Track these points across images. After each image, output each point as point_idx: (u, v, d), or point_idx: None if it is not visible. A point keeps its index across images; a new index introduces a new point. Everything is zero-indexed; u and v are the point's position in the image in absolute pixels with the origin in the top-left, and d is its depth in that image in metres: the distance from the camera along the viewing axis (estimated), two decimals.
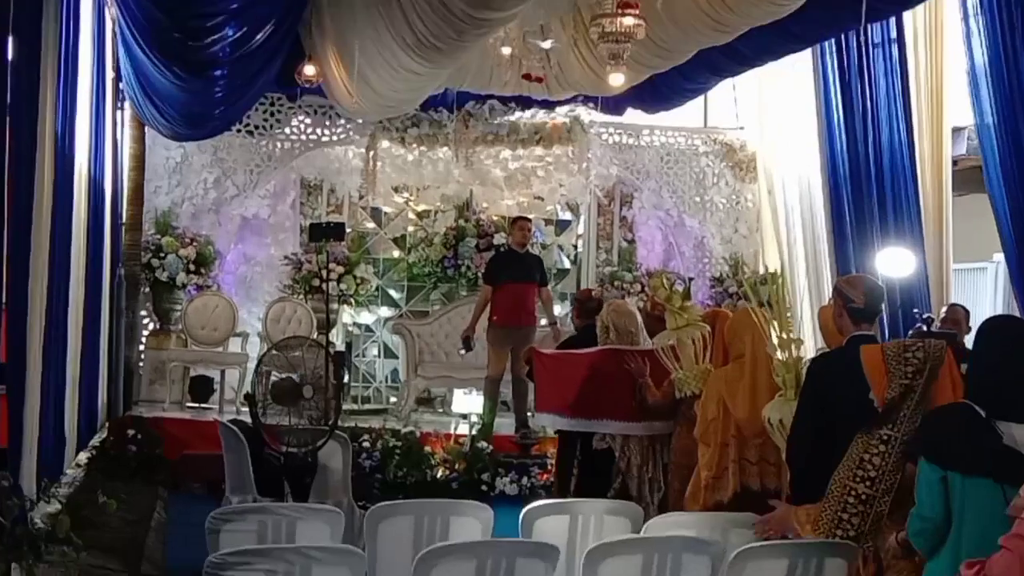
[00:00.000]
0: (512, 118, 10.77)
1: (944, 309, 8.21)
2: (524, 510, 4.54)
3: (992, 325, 3.52)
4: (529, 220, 9.54)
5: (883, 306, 4.45)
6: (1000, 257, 9.79)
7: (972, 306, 9.05)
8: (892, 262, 8.90)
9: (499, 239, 10.68)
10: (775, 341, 4.75)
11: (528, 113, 10.79)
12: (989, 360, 3.33)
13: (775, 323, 4.80)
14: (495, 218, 11.12)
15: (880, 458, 3.67)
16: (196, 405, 9.74)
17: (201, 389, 9.84)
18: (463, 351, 9.13)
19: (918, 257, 9.05)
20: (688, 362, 5.50)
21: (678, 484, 5.42)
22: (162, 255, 9.94)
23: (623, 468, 5.84)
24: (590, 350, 6.11)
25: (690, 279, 9.84)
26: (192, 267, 10.02)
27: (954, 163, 9.56)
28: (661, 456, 5.83)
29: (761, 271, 10.79)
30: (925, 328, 7.59)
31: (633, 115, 10.99)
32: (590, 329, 6.54)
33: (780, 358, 4.69)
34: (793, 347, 4.70)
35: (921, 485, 3.31)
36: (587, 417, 5.88)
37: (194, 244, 10.07)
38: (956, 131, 9.65)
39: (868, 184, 9.38)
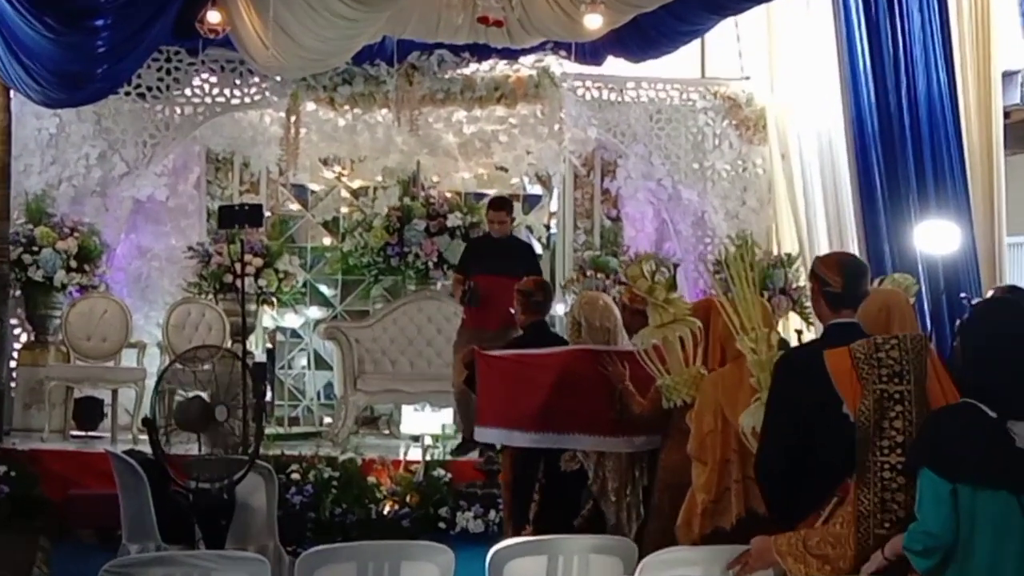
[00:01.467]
0: (466, 71, 10.76)
1: (992, 292, 8.28)
2: (492, 551, 4.53)
3: (991, 310, 3.74)
4: (505, 206, 9.52)
5: (866, 287, 4.60)
6: None
7: None
8: (933, 237, 8.99)
9: (453, 220, 10.67)
10: (746, 336, 4.84)
11: (486, 65, 10.78)
12: (994, 352, 3.46)
13: (744, 313, 4.88)
14: (448, 195, 11.11)
15: (904, 493, 3.72)
16: (82, 434, 9.66)
17: (88, 414, 9.76)
18: (469, 302, 9.04)
19: (964, 230, 9.14)
20: (676, 365, 5.51)
21: (668, 508, 5.40)
22: (35, 249, 9.85)
23: (596, 492, 5.87)
24: (558, 350, 6.12)
25: (675, 265, 9.94)
26: (73, 264, 9.92)
27: (1006, 115, 9.68)
28: (642, 477, 5.86)
29: (775, 251, 10.87)
30: None
31: (615, 65, 11.00)
32: (538, 328, 6.59)
33: (753, 356, 4.79)
34: (769, 342, 4.80)
35: (924, 499, 3.43)
36: (556, 431, 5.85)
37: (75, 235, 9.98)
38: (1007, 76, 9.76)
39: (903, 143, 9.46)
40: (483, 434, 6.38)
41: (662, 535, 5.26)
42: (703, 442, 5.10)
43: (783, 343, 5.02)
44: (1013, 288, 7.96)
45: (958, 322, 7.80)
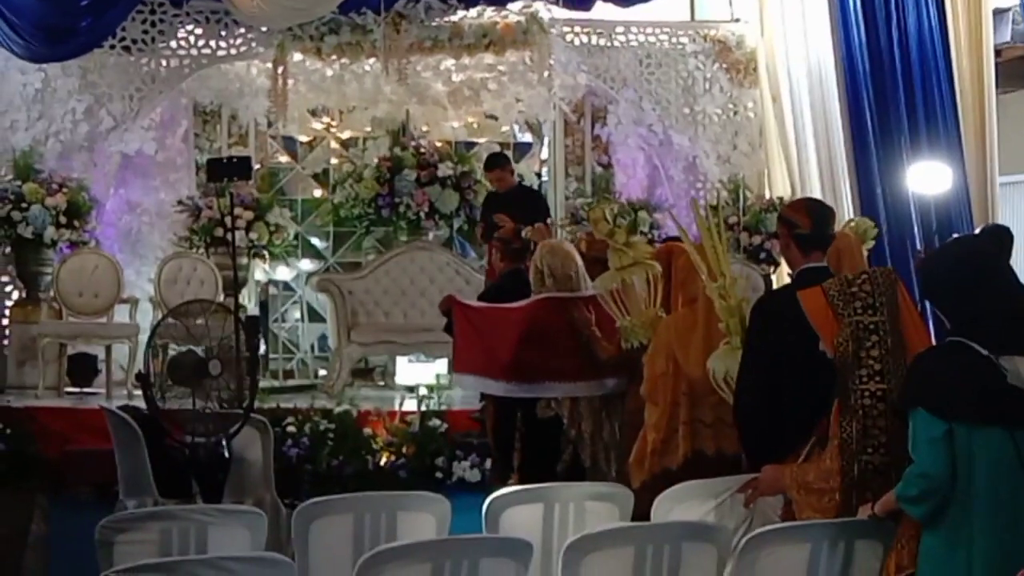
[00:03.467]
0: (454, 18, 10.67)
1: (979, 231, 8.28)
2: (488, 500, 4.56)
3: (970, 249, 3.81)
4: (496, 164, 9.70)
5: (833, 228, 4.79)
6: None
7: (1022, 227, 9.12)
8: (926, 177, 8.99)
9: (444, 170, 10.63)
10: (714, 282, 4.97)
11: (474, 12, 10.69)
12: (980, 289, 3.50)
13: (713, 261, 5.00)
14: (438, 144, 11.07)
15: (885, 419, 3.83)
16: (77, 390, 9.68)
17: (82, 370, 9.78)
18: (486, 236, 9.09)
19: (957, 170, 9.14)
20: (636, 308, 5.66)
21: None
22: (24, 206, 9.80)
23: (573, 437, 6.03)
24: (525, 302, 6.23)
25: (636, 209, 10.03)
26: (63, 220, 9.88)
27: (997, 53, 9.64)
28: (615, 419, 6.01)
29: (767, 195, 10.86)
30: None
31: (603, 9, 10.92)
32: (517, 275, 6.68)
33: (722, 302, 4.92)
34: (739, 287, 4.95)
35: (919, 441, 3.46)
36: (528, 381, 6.01)
37: (64, 191, 9.93)
38: (998, 13, 9.71)
39: (894, 83, 9.44)
40: (461, 380, 6.59)
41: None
42: (655, 383, 5.29)
43: None
44: (997, 227, 8.00)
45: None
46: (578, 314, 5.95)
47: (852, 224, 5.66)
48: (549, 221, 8.84)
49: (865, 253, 5.86)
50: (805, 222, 4.62)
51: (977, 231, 8.21)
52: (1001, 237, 7.01)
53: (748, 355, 4.62)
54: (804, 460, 4.17)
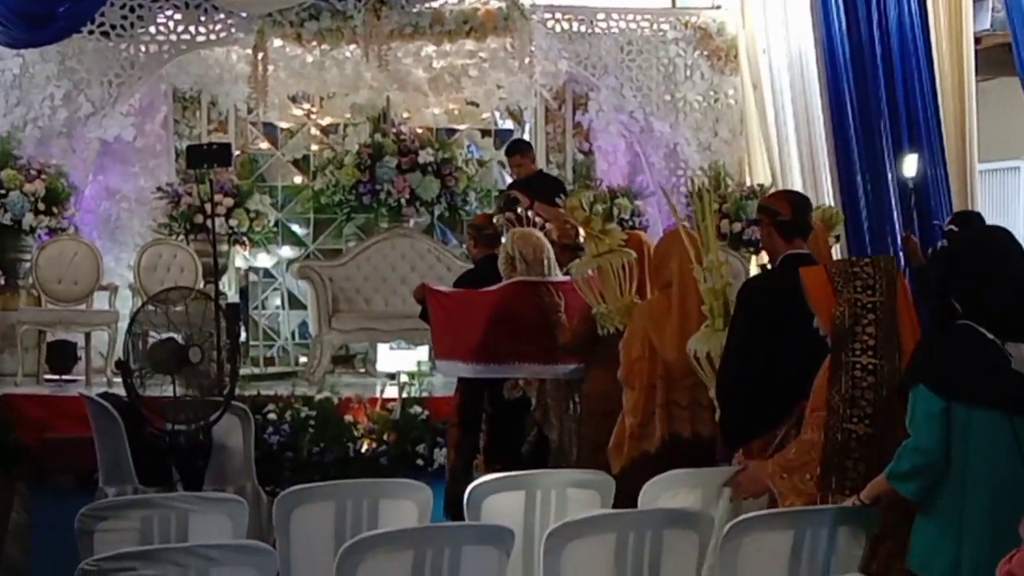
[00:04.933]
0: (435, 5, 10.63)
1: (948, 220, 8.30)
2: (469, 487, 4.57)
3: (986, 233, 3.95)
4: (515, 151, 9.72)
5: (811, 216, 4.92)
6: None
7: (1003, 214, 9.18)
8: (905, 164, 9.02)
9: (425, 156, 10.61)
10: (701, 264, 5.02)
11: None
12: (992, 273, 3.57)
13: (702, 245, 5.06)
14: (419, 130, 11.04)
15: (873, 391, 3.92)
16: (56, 377, 9.65)
17: (61, 357, 9.74)
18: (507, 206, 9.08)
19: (936, 157, 9.16)
20: (612, 294, 5.70)
21: (593, 434, 5.66)
22: (2, 192, 9.76)
23: (539, 417, 6.15)
24: (497, 286, 6.32)
25: (613, 197, 9.98)
26: (41, 206, 9.83)
27: (977, 41, 9.65)
28: (580, 401, 6.10)
29: (748, 182, 10.87)
30: (947, 243, 7.72)
31: None
32: (491, 261, 6.74)
33: (707, 285, 4.97)
34: (723, 271, 4.98)
35: (917, 416, 3.53)
36: (496, 361, 6.12)
37: (42, 177, 9.88)
38: (978, 1, 9.72)
39: (874, 70, 9.45)
40: (439, 366, 6.73)
41: (591, 461, 5.45)
42: (631, 368, 5.33)
43: None
44: (965, 214, 8.03)
45: (939, 245, 7.88)
46: (548, 299, 6.04)
47: (818, 211, 5.72)
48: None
49: (833, 239, 5.97)
50: (785, 209, 4.75)
51: (947, 219, 8.25)
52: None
53: (737, 334, 4.68)
54: (780, 441, 4.23)
